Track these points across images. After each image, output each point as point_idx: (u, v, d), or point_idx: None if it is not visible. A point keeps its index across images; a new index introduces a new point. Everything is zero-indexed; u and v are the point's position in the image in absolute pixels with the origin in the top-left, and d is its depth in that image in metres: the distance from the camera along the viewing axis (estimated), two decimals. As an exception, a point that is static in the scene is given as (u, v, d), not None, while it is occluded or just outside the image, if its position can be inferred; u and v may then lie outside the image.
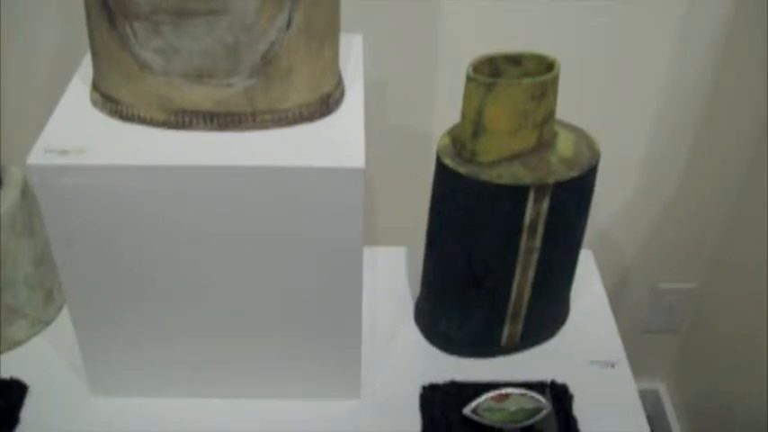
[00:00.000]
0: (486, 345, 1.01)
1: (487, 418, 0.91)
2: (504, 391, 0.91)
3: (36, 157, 0.80)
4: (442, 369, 1.00)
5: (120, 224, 0.83)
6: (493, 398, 0.91)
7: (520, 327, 1.00)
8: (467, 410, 0.91)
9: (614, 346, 1.03)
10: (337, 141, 0.82)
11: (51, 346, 1.03)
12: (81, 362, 1.00)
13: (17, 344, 1.02)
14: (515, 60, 0.91)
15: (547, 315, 1.02)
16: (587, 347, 1.03)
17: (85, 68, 0.92)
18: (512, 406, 0.91)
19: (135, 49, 0.80)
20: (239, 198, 0.81)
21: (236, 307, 0.90)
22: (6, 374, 0.99)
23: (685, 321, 1.43)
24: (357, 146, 0.82)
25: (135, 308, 0.90)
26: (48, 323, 1.05)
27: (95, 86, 0.87)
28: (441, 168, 0.92)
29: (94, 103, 0.87)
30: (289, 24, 0.79)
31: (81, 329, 0.92)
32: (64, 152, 0.81)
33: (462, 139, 0.90)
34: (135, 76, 0.81)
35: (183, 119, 0.83)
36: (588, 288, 1.10)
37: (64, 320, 1.06)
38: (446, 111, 1.19)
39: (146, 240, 0.84)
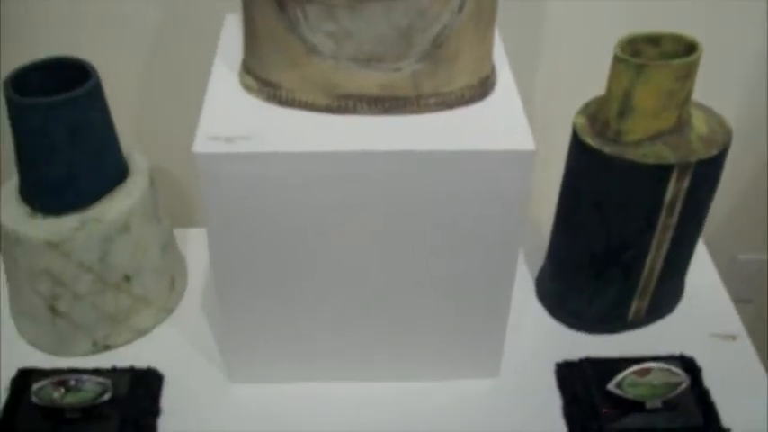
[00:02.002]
0: (613, 321, 1.03)
1: (631, 393, 0.93)
2: (646, 365, 0.93)
3: (201, 146, 0.79)
4: (569, 345, 1.02)
5: (279, 209, 0.82)
6: (636, 372, 0.93)
7: (647, 302, 1.02)
8: (611, 386, 0.93)
9: (732, 319, 1.06)
10: (502, 124, 0.82)
11: (178, 334, 1.02)
12: (211, 349, 1.01)
13: (143, 332, 1.01)
14: (654, 41, 0.92)
15: (670, 289, 1.04)
16: (706, 320, 1.05)
17: (226, 52, 0.91)
18: (654, 380, 0.93)
19: (304, 33, 0.78)
20: (405, 182, 0.81)
21: (385, 291, 0.90)
22: (136, 363, 0.97)
23: (761, 292, 1.48)
24: (523, 128, 0.82)
25: (283, 294, 0.89)
26: (171, 311, 1.04)
27: (249, 71, 0.85)
28: (581, 147, 0.93)
29: (247, 88, 0.85)
30: (461, 8, 0.78)
31: (228, 317, 0.91)
32: (229, 140, 0.79)
33: (606, 119, 0.91)
34: (300, 60, 0.80)
35: (346, 103, 0.82)
36: (699, 261, 1.12)
37: (186, 308, 1.05)
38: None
39: (303, 225, 0.84)
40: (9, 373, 0.97)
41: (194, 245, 1.14)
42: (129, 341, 1.00)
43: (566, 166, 0.98)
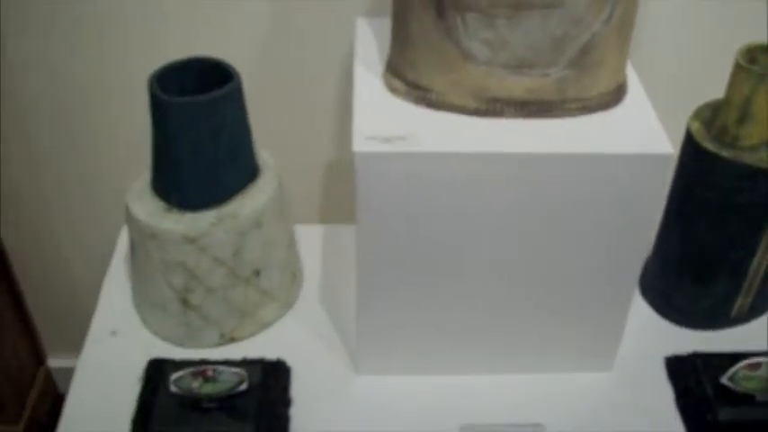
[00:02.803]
0: (717, 317, 1.07)
1: (743, 386, 0.97)
2: (757, 359, 0.97)
3: (361, 145, 0.82)
4: (672, 340, 1.06)
5: (428, 208, 0.86)
6: (747, 366, 0.97)
7: (750, 299, 1.06)
8: (724, 379, 0.97)
9: (826, 316, 1.11)
10: (639, 128, 0.86)
11: (300, 327, 1.05)
12: (333, 341, 1.04)
13: (267, 326, 1.04)
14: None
15: (770, 288, 1.09)
16: (802, 318, 1.11)
17: (365, 55, 0.94)
18: (764, 374, 0.97)
19: (461, 40, 0.82)
20: (547, 183, 0.85)
21: (516, 286, 0.93)
22: (257, 355, 1.00)
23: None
24: (659, 132, 0.86)
25: (421, 289, 0.93)
26: (291, 305, 1.07)
27: (397, 74, 0.88)
28: (698, 151, 0.97)
29: (394, 91, 0.89)
30: (609, 17, 0.82)
31: (364, 311, 0.94)
32: (387, 140, 0.83)
33: (724, 124, 0.96)
34: (455, 65, 0.84)
35: (494, 107, 0.86)
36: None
37: (304, 302, 1.09)
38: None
39: (448, 224, 0.87)
40: (133, 361, 1.00)
41: (302, 241, 1.17)
42: (252, 334, 1.03)
43: (678, 168, 1.02)
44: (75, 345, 1.52)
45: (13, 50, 1.17)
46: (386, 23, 0.99)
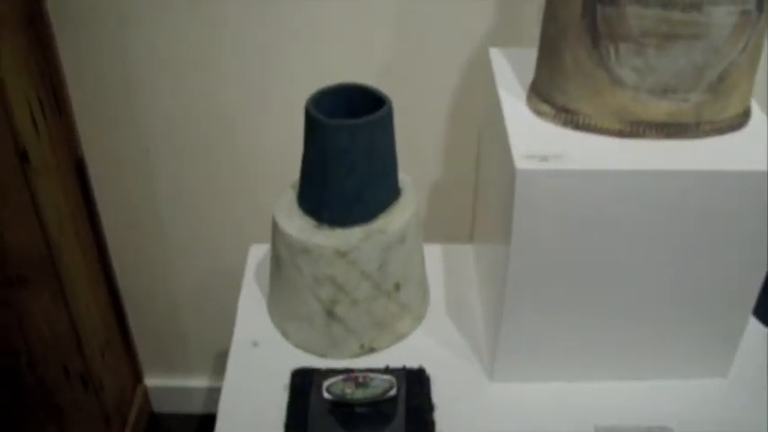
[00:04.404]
0: (823, 331, 1.15)
1: None
2: None
3: (522, 163, 0.89)
4: (776, 348, 1.14)
5: (576, 223, 0.93)
6: None
7: None
8: (836, 383, 1.05)
9: None
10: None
11: (432, 339, 1.11)
12: (464, 351, 1.10)
13: (402, 337, 1.10)
14: None
15: None
16: None
17: (504, 82, 1.02)
18: None
19: (612, 68, 0.90)
20: (684, 198, 0.92)
21: (644, 297, 1.00)
22: (399, 364, 1.06)
23: None
24: (787, 153, 0.94)
25: (564, 300, 0.99)
26: (421, 318, 1.13)
27: (545, 99, 0.96)
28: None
29: (541, 114, 0.96)
30: (745, 47, 0.90)
31: (509, 323, 1.01)
32: (544, 158, 0.90)
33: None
34: (604, 90, 0.92)
35: (636, 129, 0.93)
36: None
37: (433, 315, 1.15)
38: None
39: (594, 238, 0.94)
40: (276, 370, 1.06)
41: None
42: (389, 345, 1.09)
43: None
44: (169, 366, 1.58)
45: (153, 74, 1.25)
46: (517, 53, 1.08)
